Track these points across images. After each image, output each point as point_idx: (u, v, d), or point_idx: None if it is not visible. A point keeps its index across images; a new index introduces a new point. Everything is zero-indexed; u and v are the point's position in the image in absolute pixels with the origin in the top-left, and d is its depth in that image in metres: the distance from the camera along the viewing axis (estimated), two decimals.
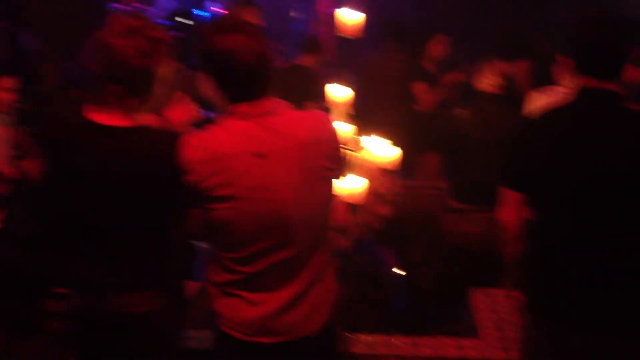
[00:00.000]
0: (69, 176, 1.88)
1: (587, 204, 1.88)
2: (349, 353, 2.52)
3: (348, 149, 3.04)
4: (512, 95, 3.74)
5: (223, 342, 1.94)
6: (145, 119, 1.94)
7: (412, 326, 2.79)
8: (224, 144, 1.77)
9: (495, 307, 2.89)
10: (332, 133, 1.90)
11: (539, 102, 3.26)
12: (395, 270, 3.46)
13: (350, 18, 3.09)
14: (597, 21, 1.93)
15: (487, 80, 3.90)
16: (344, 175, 2.58)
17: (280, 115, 1.81)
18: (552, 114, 2.01)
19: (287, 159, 1.77)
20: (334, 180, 1.95)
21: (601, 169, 1.85)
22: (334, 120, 2.03)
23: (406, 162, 4.34)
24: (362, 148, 3.17)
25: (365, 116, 3.61)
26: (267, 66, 1.80)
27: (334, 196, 2.03)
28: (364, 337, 2.61)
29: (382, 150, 3.14)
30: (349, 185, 2.77)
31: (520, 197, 2.04)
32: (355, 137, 3.25)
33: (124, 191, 1.86)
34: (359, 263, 3.16)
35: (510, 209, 2.07)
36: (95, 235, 1.92)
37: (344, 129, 3.18)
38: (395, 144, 3.16)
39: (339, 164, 1.93)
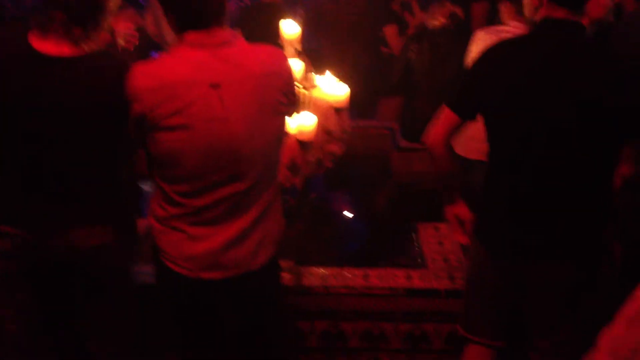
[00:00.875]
0: (12, 108, 1.81)
1: (535, 132, 1.89)
2: (298, 286, 2.57)
3: (299, 86, 3.02)
4: (462, 32, 3.76)
5: (167, 277, 1.93)
6: (93, 48, 1.87)
7: (363, 260, 2.85)
8: (175, 72, 1.72)
9: (442, 240, 2.98)
10: (287, 68, 1.88)
11: (484, 42, 3.28)
12: (345, 211, 3.52)
13: None
14: None
15: (437, 20, 3.92)
16: (297, 112, 2.57)
17: (235, 47, 1.78)
18: (515, 43, 2.01)
19: (241, 91, 1.75)
20: (286, 117, 1.94)
21: (563, 100, 1.84)
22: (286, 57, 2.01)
23: (371, 105, 4.38)
24: (314, 86, 3.15)
25: (318, 55, 3.58)
26: None
27: (286, 132, 2.03)
28: (316, 270, 2.66)
29: (333, 88, 3.13)
30: (300, 122, 2.76)
31: (457, 121, 2.06)
32: (308, 74, 3.23)
33: (71, 123, 1.81)
34: (310, 201, 3.19)
35: (441, 130, 2.09)
36: (41, 170, 1.86)
37: (294, 65, 3.15)
38: (359, 86, 3.16)
39: (292, 100, 1.92)
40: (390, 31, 4.71)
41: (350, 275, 2.65)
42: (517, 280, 2.06)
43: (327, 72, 3.16)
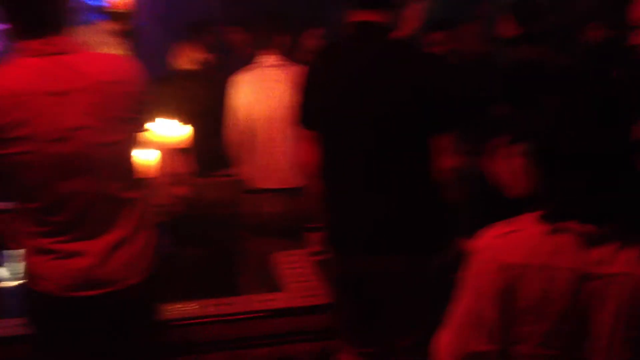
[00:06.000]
0: None
1: (353, 131, 2.04)
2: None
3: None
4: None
5: (38, 301, 1.86)
6: None
7: (219, 292, 2.85)
8: (16, 82, 1.69)
9: (295, 265, 3.06)
10: (137, 76, 1.86)
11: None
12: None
13: None
14: None
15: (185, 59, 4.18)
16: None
17: (77, 54, 1.77)
18: (327, 50, 2.19)
19: (86, 98, 1.73)
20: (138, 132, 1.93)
21: (364, 96, 2.01)
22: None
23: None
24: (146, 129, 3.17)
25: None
26: None
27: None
28: (172, 305, 2.61)
29: (174, 129, 3.17)
30: (143, 158, 2.77)
31: (312, 134, 2.15)
32: None
33: None
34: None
35: (304, 146, 2.17)
36: None
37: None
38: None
39: (141, 107, 1.90)
40: None
41: (208, 305, 2.63)
42: (365, 276, 2.16)
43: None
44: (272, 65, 3.91)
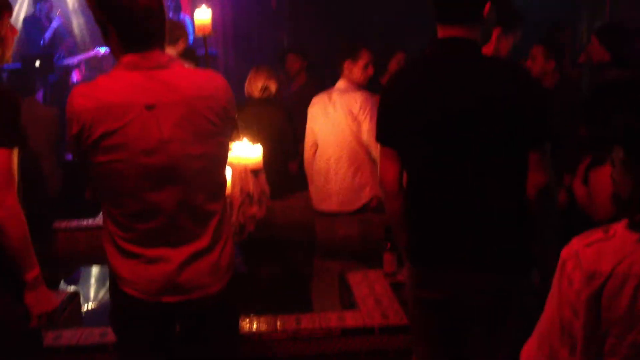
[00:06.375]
0: None
1: (444, 149, 1.97)
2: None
3: None
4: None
5: (125, 304, 1.89)
6: None
7: (293, 309, 2.82)
8: (111, 93, 1.76)
9: (372, 285, 2.99)
10: (224, 91, 1.89)
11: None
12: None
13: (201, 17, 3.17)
14: None
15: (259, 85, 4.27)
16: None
17: (170, 69, 1.82)
18: (412, 67, 2.14)
19: (175, 112, 1.78)
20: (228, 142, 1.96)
21: (455, 113, 1.93)
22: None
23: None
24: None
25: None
26: (163, 11, 1.83)
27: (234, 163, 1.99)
28: (250, 318, 2.60)
29: (247, 150, 3.20)
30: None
31: (394, 152, 2.08)
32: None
33: None
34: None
35: (387, 164, 2.11)
36: None
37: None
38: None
39: (230, 123, 1.93)
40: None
41: (282, 321, 2.60)
42: (451, 294, 2.06)
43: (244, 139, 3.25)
44: (339, 91, 3.99)
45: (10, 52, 1.97)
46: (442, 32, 2.02)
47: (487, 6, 1.97)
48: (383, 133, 2.12)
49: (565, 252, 1.35)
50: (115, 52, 1.82)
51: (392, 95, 2.10)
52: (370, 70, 4.00)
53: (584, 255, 1.31)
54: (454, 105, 1.95)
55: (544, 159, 2.03)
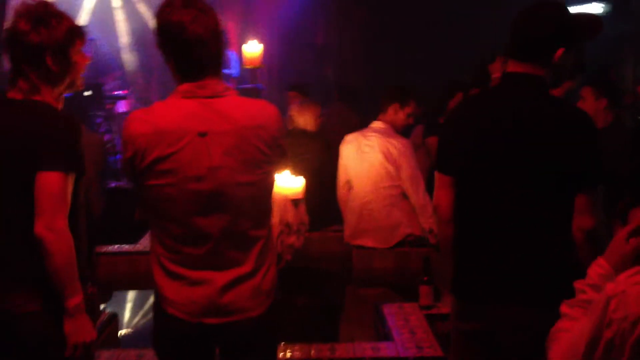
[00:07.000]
0: None
1: (500, 181, 1.99)
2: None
3: None
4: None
5: (168, 324, 1.90)
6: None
7: (329, 339, 2.83)
8: (166, 119, 1.82)
9: (407, 317, 2.99)
10: (275, 122, 1.92)
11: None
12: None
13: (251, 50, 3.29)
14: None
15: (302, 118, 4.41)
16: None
17: (226, 98, 1.88)
18: (474, 99, 2.18)
19: (226, 141, 1.83)
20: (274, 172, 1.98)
21: (514, 146, 1.96)
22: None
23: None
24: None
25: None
26: (218, 40, 1.87)
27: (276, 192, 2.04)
28: (284, 345, 2.62)
29: (288, 181, 3.26)
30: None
31: (451, 180, 2.11)
32: None
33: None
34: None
35: (443, 193, 2.13)
36: None
37: None
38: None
39: (279, 152, 1.95)
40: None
41: (317, 349, 2.61)
42: (492, 327, 2.06)
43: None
44: (378, 132, 4.05)
45: (81, 80, 2.03)
46: (512, 67, 2.06)
47: (560, 51, 1.99)
48: (443, 161, 2.17)
49: (610, 289, 1.34)
50: (174, 79, 1.88)
51: (456, 124, 2.14)
52: (411, 120, 4.12)
53: (632, 294, 1.29)
54: (514, 138, 1.98)
55: (592, 202, 2.03)
